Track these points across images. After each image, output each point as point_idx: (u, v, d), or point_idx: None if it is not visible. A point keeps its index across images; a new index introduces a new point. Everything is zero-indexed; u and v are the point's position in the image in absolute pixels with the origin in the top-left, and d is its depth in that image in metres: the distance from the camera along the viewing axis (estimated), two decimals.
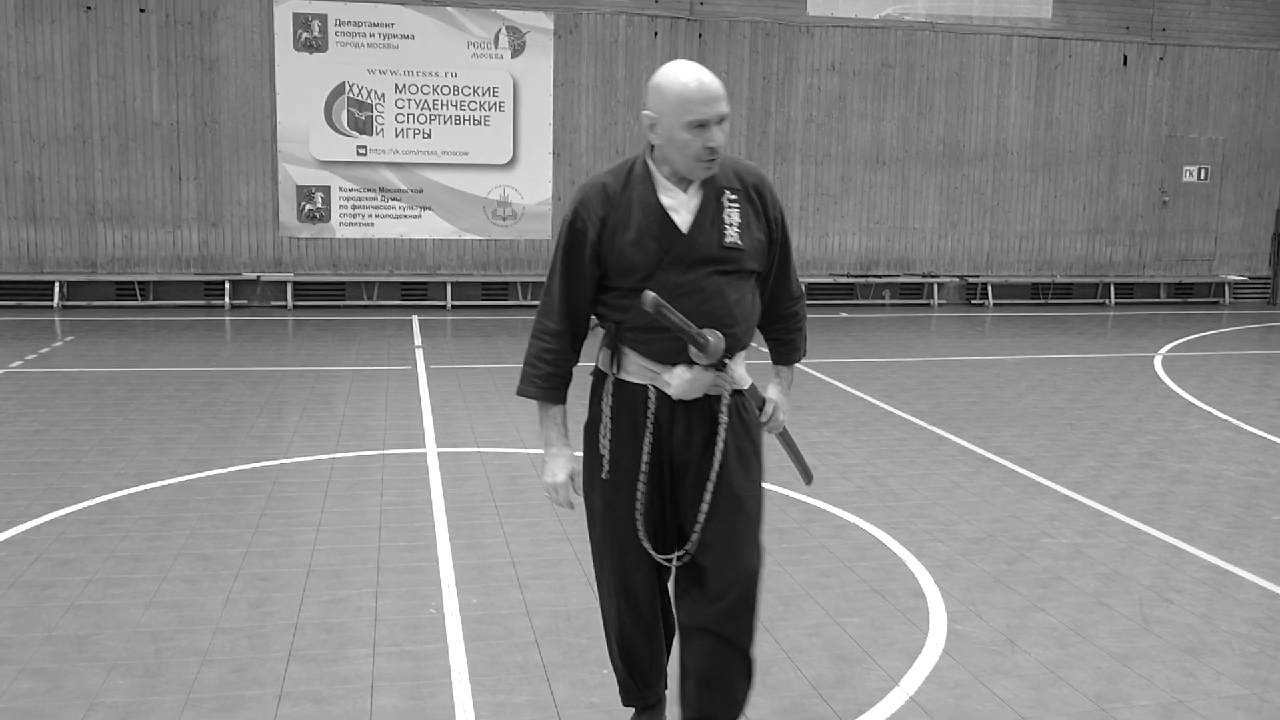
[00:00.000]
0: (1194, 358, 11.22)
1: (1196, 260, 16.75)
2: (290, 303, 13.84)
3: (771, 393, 3.13)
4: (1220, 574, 4.86)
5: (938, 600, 4.49)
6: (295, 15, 13.42)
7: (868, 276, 15.44)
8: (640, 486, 2.92)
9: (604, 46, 14.31)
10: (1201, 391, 9.29)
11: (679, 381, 2.85)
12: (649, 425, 2.91)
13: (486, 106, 14.01)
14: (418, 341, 11.33)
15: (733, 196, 2.89)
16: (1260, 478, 6.54)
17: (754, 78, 14.77)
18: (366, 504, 5.62)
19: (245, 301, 13.93)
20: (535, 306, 15.29)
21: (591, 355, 3.02)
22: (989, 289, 15.85)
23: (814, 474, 3.15)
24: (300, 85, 13.52)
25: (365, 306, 14.06)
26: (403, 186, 13.95)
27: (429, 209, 14.08)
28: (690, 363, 2.84)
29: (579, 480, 3.03)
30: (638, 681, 3.17)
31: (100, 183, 13.36)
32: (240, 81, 13.46)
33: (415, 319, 13.11)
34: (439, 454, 6.67)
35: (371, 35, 13.64)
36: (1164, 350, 11.70)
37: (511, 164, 14.21)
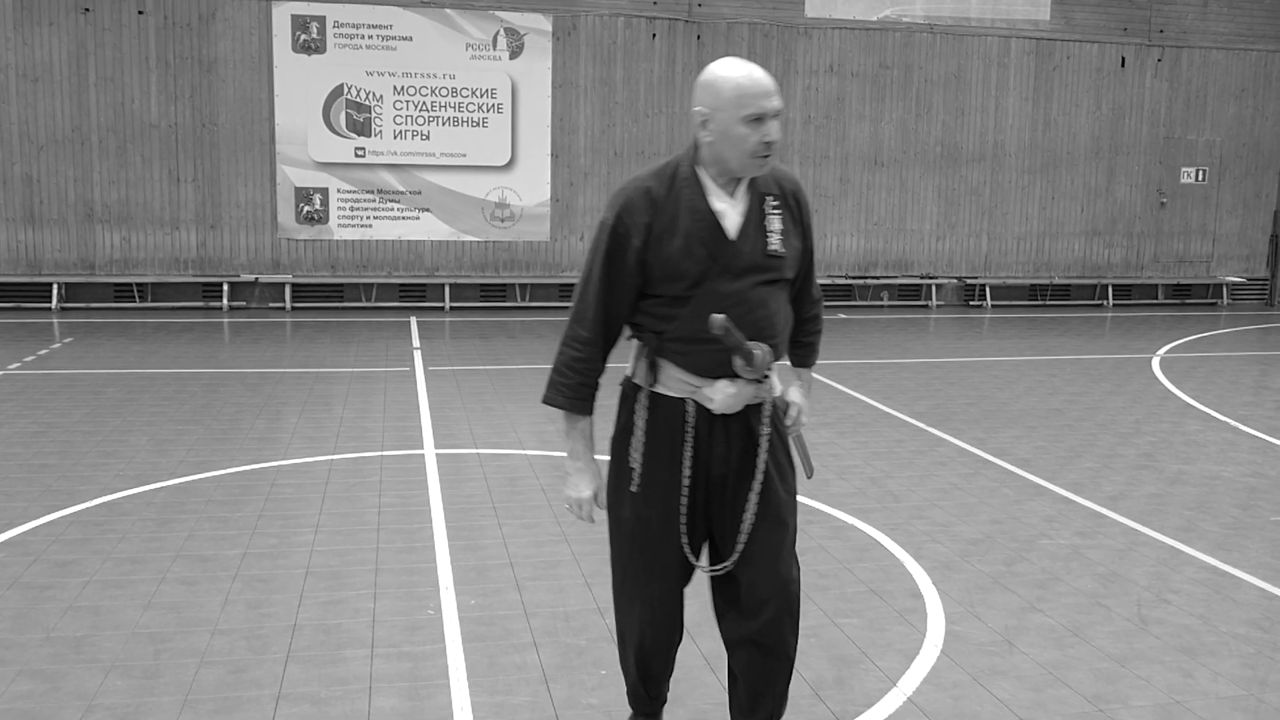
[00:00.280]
0: (1192, 359, 11.23)
1: (1194, 262, 16.76)
2: (289, 304, 13.84)
3: (794, 395, 3.07)
4: (1218, 575, 4.87)
5: (936, 601, 4.50)
6: (294, 17, 13.42)
7: (866, 278, 15.44)
8: (683, 500, 2.86)
9: (602, 48, 14.31)
10: (1199, 393, 9.30)
11: (722, 396, 2.78)
12: (688, 439, 2.83)
13: (485, 108, 14.01)
14: (416, 343, 11.33)
15: (774, 203, 2.82)
16: (1258, 479, 6.55)
17: None
18: (365, 505, 5.62)
19: (243, 303, 13.93)
20: (535, 308, 15.17)
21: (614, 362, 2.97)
22: (987, 290, 15.86)
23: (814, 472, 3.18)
24: (298, 87, 13.52)
25: (363, 308, 14.06)
26: (401, 188, 13.95)
27: (427, 210, 14.07)
28: (733, 376, 2.78)
29: (603, 496, 2.98)
30: (650, 691, 3.17)
31: (98, 184, 13.35)
32: (238, 83, 13.46)
33: (413, 320, 13.11)
34: (437, 455, 6.67)
35: (370, 37, 13.64)
36: (1162, 351, 11.71)
37: (510, 166, 14.21)
